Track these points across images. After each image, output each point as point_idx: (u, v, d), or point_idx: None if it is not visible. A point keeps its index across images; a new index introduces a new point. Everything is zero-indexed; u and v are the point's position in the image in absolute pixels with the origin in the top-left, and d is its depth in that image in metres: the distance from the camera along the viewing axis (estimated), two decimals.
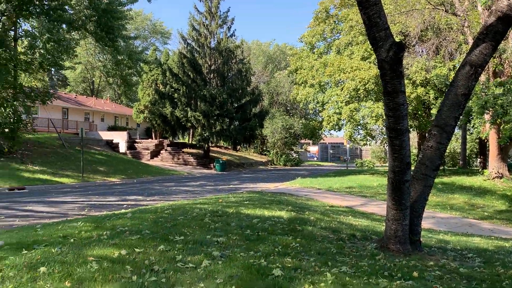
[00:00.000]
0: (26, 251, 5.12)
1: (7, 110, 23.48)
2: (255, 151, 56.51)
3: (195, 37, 39.16)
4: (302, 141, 62.30)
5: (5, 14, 24.80)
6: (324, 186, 20.26)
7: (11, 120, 23.71)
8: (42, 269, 4.41)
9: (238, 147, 51.60)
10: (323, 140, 49.24)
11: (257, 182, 23.58)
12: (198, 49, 39.18)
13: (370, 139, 29.46)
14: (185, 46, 39.36)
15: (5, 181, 19.01)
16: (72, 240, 5.85)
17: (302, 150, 69.24)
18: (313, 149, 79.96)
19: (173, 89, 38.88)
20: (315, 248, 6.12)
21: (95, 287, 4.08)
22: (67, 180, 21.75)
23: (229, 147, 50.48)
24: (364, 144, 31.03)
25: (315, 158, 76.26)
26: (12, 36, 26.31)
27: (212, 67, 38.76)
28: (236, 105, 38.94)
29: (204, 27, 39.01)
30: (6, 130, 23.57)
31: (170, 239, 6.04)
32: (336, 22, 33.37)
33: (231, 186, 20.70)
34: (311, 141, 65.24)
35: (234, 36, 40.01)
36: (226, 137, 38.10)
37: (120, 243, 5.68)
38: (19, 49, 26.90)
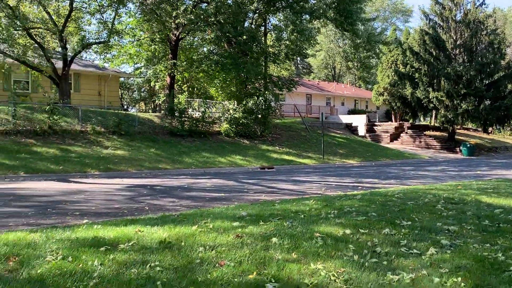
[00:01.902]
0: (262, 223, 5.77)
1: (260, 99, 26.57)
2: None
3: (437, 12, 36.39)
4: None
5: (257, 12, 27.94)
6: None
7: (263, 107, 26.74)
8: (274, 239, 4.90)
9: (490, 129, 46.02)
10: None
11: (511, 169, 20.69)
12: (441, 23, 36.32)
13: None
14: (427, 22, 36.98)
15: (258, 161, 21.64)
16: (302, 216, 6.30)
17: None
18: None
19: (413, 69, 37.14)
20: None
21: (318, 261, 4.32)
22: (309, 161, 23.36)
23: (479, 129, 45.52)
24: None
25: None
26: (262, 31, 29.48)
27: (458, 42, 35.39)
28: (486, 82, 34.71)
29: None
30: (259, 116, 26.73)
31: (396, 223, 5.91)
32: None
33: (478, 172, 18.71)
34: None
35: (484, 4, 35.56)
36: (474, 118, 34.47)
37: (345, 223, 5.85)
38: (268, 42, 29.97)
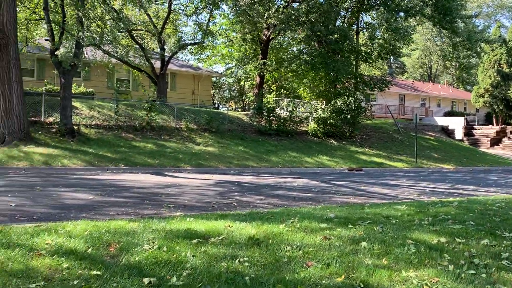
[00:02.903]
0: (351, 226, 5.64)
1: (349, 98, 26.04)
2: None
3: None
4: None
5: (349, 10, 27.40)
6: None
7: (352, 107, 26.17)
8: (363, 244, 4.77)
9: None
10: None
11: None
12: None
13: None
14: None
15: (345, 162, 21.24)
16: (393, 221, 6.07)
17: None
18: None
19: None
20: None
21: (410, 268, 4.14)
22: (400, 165, 22.45)
23: None
24: None
25: None
26: (355, 30, 28.83)
27: None
28: None
29: None
30: (348, 116, 26.20)
31: (497, 234, 5.47)
32: None
33: None
34: None
35: None
36: None
37: (440, 231, 5.53)
38: (360, 41, 29.25)
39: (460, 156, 27.06)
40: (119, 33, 22.89)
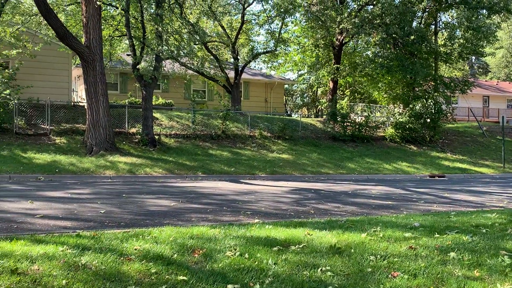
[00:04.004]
0: (438, 235, 5.36)
1: (429, 101, 24.92)
2: None
3: None
4: None
5: (426, 10, 26.31)
6: None
7: (432, 110, 25.01)
8: (452, 254, 4.51)
9: None
10: None
11: None
12: None
13: None
14: None
15: (426, 168, 20.31)
16: (484, 230, 5.69)
17: None
18: None
19: None
20: None
21: (505, 281, 3.86)
22: (486, 170, 21.09)
23: None
24: None
25: None
26: (433, 30, 27.62)
27: None
28: None
29: None
30: (428, 120, 25.08)
31: None
32: None
33: None
34: None
35: None
36: None
37: None
38: (439, 41, 27.95)
39: None
40: (195, 46, 23.74)
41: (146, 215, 7.33)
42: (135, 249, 4.43)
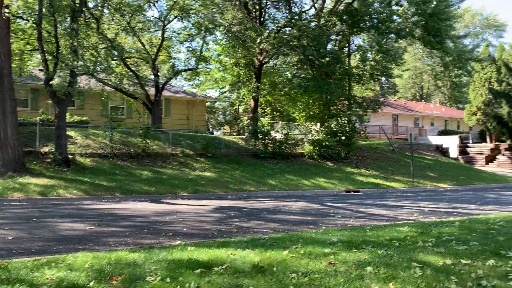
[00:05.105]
0: (355, 250, 5.57)
1: (343, 120, 26.16)
2: None
3: None
4: None
5: (340, 33, 27.80)
6: None
7: (347, 128, 26.27)
8: (369, 268, 4.70)
9: None
10: None
11: None
12: None
13: None
14: None
15: (343, 183, 21.18)
16: (397, 243, 6.01)
17: None
18: None
19: (510, 87, 34.71)
20: None
21: None
22: (397, 185, 22.43)
23: None
24: None
25: None
26: (346, 52, 29.20)
27: None
28: None
29: None
30: (343, 137, 26.27)
31: (502, 253, 5.43)
32: None
33: None
34: None
35: None
36: None
37: (445, 252, 5.48)
38: (352, 63, 29.58)
39: (457, 175, 27.10)
40: (113, 61, 23.02)
41: (60, 241, 6.89)
42: (47, 278, 4.12)
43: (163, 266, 4.69)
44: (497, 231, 6.98)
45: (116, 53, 21.13)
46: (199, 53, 25.75)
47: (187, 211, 11.70)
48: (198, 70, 27.06)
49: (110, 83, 22.28)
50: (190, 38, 25.69)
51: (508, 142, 40.36)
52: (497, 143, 40.66)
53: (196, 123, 31.23)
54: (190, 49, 26.30)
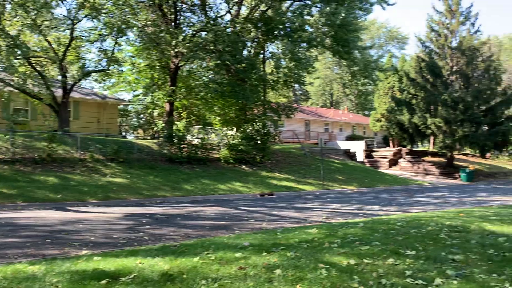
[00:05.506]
0: (265, 253, 5.68)
1: (258, 125, 26.64)
2: (509, 158, 49.58)
3: (433, 39, 37.05)
4: None
5: (255, 40, 28.31)
6: None
7: (262, 133, 26.79)
8: (278, 271, 4.81)
9: (488, 154, 46.16)
10: None
11: (511, 195, 20.63)
12: (437, 50, 36.93)
13: None
14: (423, 49, 37.59)
15: (258, 187, 21.55)
16: (305, 245, 6.21)
17: None
18: None
19: (410, 95, 37.54)
20: None
21: None
22: (308, 188, 23.26)
23: (477, 154, 45.65)
24: None
25: None
26: (261, 59, 29.79)
27: (454, 69, 35.87)
28: (483, 108, 34.99)
29: (443, 27, 36.57)
30: (258, 142, 26.74)
31: (400, 252, 5.83)
32: None
33: (478, 198, 18.63)
34: None
35: (479, 32, 36.29)
36: (472, 143, 34.62)
37: (349, 252, 5.76)
38: (267, 70, 30.26)
39: (363, 178, 28.72)
40: (16, 60, 21.45)
41: None
42: None
43: (66, 278, 4.44)
44: (396, 231, 7.48)
45: (19, 51, 19.74)
46: (110, 54, 24.80)
47: (96, 219, 11.20)
48: (109, 71, 26.06)
49: (12, 83, 20.72)
50: (102, 38, 24.64)
51: (409, 147, 43.66)
52: (399, 147, 43.81)
53: (107, 127, 30.02)
54: (101, 49, 25.24)
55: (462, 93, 33.76)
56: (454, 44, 36.21)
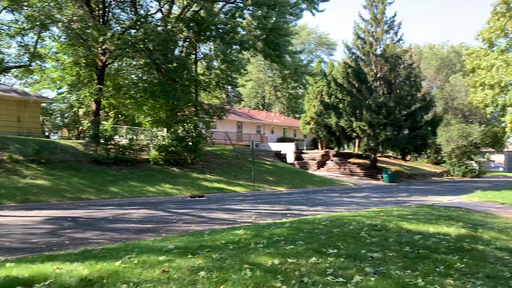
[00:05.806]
0: (191, 256, 5.64)
1: (189, 125, 26.38)
2: (428, 161, 52.94)
3: (359, 46, 38.67)
4: (484, 149, 56.12)
5: (187, 40, 28.04)
6: (510, 200, 17.86)
7: (193, 134, 26.55)
8: (202, 273, 4.80)
9: (408, 157, 49.02)
10: (508, 148, 43.61)
11: (428, 195, 22.02)
12: (363, 57, 38.59)
13: None
14: (350, 55, 39.11)
15: (188, 189, 21.32)
16: (231, 247, 6.24)
17: (484, 159, 62.28)
18: (498, 158, 71.45)
19: (337, 100, 38.93)
20: (484, 270, 5.44)
21: None
22: (240, 189, 23.38)
23: (398, 157, 48.30)
24: None
25: (501, 169, 68.00)
26: (193, 60, 29.55)
27: (378, 75, 37.70)
28: (404, 112, 37.09)
29: (369, 35, 38.30)
30: (190, 143, 26.46)
31: (322, 251, 6.03)
32: None
33: (399, 198, 19.71)
34: (495, 150, 58.32)
35: (402, 40, 38.34)
36: (393, 146, 36.53)
37: (274, 252, 5.87)
38: (199, 70, 30.06)
39: (292, 179, 29.35)
40: None
41: None
42: None
43: None
44: (320, 230, 7.73)
45: None
46: (33, 49, 23.45)
47: (13, 223, 10.53)
48: (31, 67, 24.64)
49: None
50: (23, 33, 23.24)
51: (336, 149, 45.27)
52: (327, 150, 45.31)
53: (28, 126, 28.37)
54: (23, 44, 23.80)
55: (385, 99, 35.55)
56: (378, 52, 38.04)
